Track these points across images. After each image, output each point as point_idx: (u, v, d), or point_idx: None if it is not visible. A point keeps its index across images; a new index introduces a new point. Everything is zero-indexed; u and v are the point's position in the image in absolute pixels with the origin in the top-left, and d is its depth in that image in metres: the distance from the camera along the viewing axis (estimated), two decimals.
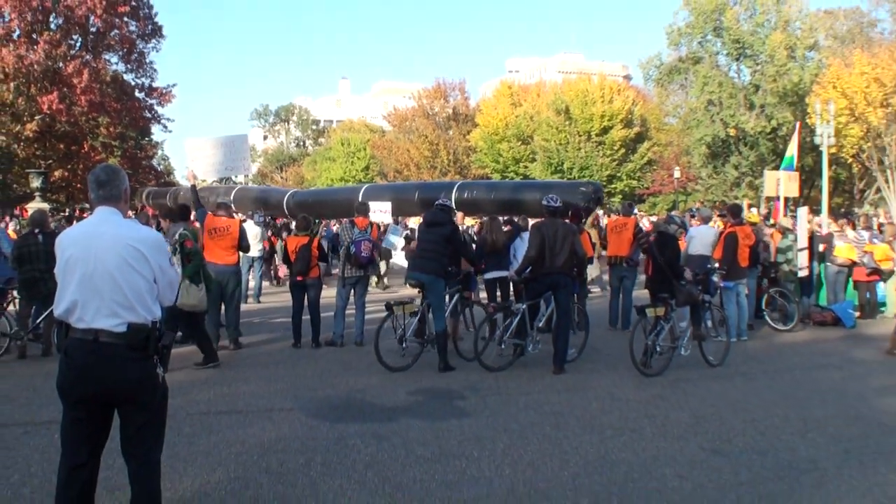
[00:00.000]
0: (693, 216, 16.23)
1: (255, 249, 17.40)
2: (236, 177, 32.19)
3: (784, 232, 13.73)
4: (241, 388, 8.51)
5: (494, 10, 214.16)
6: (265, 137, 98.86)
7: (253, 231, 17.34)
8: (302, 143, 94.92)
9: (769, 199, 15.59)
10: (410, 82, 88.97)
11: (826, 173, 26.39)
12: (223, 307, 11.04)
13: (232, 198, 25.22)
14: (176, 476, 5.46)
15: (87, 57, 34.18)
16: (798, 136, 17.79)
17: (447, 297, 10.06)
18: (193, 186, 12.18)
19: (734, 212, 12.76)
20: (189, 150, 12.73)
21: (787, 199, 15.97)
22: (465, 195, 19.44)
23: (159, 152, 54.01)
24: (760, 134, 42.69)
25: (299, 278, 11.15)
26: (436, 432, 6.72)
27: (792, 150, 17.39)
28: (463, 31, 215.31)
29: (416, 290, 10.22)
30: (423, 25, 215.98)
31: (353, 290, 11.40)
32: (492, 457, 6.03)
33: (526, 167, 50.05)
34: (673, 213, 15.48)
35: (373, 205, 18.34)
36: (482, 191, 20.58)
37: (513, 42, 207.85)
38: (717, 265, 11.08)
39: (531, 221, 12.19)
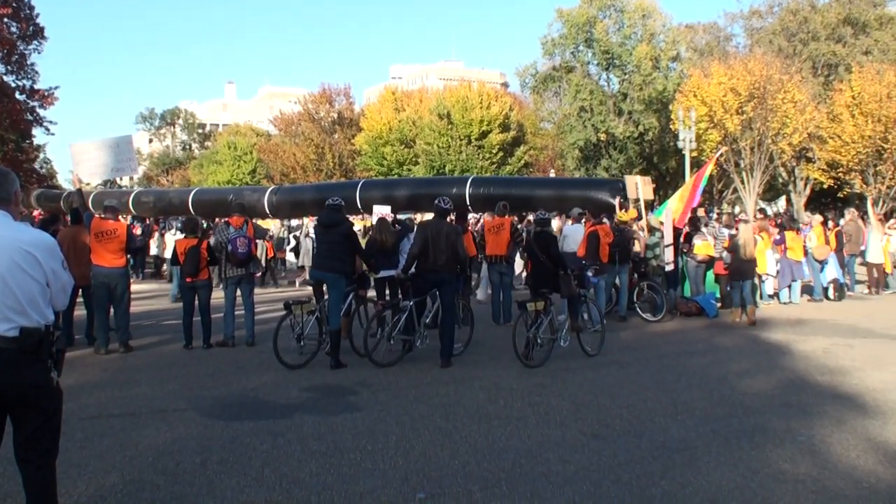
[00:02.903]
0: (570, 216, 16.87)
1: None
2: (121, 179, 30.83)
3: (651, 230, 14.50)
4: (132, 391, 8.38)
5: (378, 17, 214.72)
6: (151, 141, 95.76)
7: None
8: (188, 147, 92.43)
9: (636, 200, 16.26)
10: (296, 87, 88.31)
11: (688, 175, 27.70)
12: (111, 310, 10.85)
13: (191, 200, 24.05)
14: (70, 481, 5.33)
15: None
16: (713, 162, 18.53)
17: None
18: (79, 190, 11.98)
19: (594, 212, 13.43)
20: (74, 154, 12.36)
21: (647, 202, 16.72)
22: (481, 191, 19.18)
23: (42, 155, 51.29)
24: (629, 139, 44.61)
25: (188, 280, 11.10)
26: (330, 427, 6.81)
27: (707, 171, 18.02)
28: (347, 38, 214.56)
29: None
30: (308, 31, 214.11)
31: (237, 290, 11.39)
32: (385, 449, 6.14)
33: (409, 170, 50.32)
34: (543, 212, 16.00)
35: (375, 208, 17.82)
36: (497, 186, 20.35)
37: (396, 49, 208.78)
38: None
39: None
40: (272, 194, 23.51)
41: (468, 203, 18.62)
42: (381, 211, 17.60)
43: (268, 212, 23.10)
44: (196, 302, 11.19)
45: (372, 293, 12.41)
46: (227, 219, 12.48)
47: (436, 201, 10.24)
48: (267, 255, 21.73)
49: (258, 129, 77.68)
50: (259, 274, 21.17)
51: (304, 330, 9.66)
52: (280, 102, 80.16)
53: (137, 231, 23.66)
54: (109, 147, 12.60)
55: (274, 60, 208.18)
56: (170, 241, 18.21)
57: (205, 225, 18.36)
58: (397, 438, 6.45)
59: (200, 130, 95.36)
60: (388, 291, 12.34)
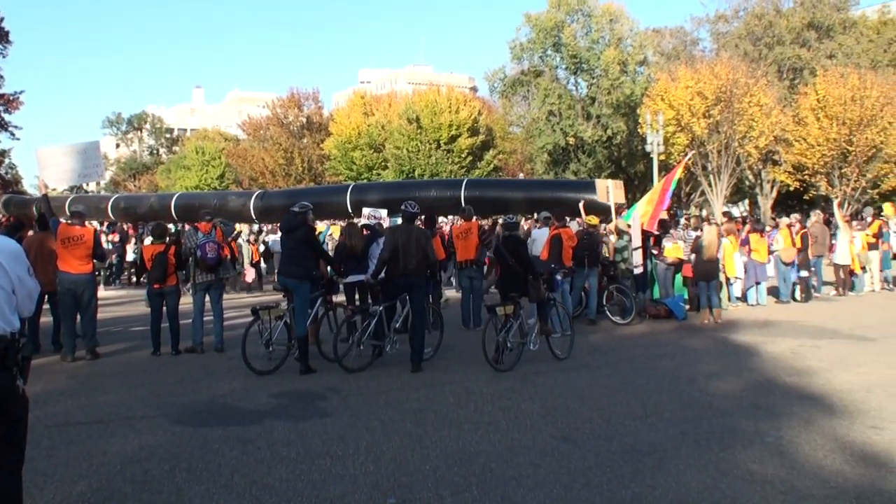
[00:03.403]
0: (537, 220, 16.94)
1: None
2: (88, 185, 30.16)
3: (620, 233, 14.58)
4: (100, 398, 8.30)
5: (346, 22, 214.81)
6: (118, 145, 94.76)
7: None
8: (155, 152, 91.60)
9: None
10: (264, 92, 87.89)
11: (656, 178, 27.84)
12: (78, 317, 10.73)
13: (173, 205, 23.51)
14: (36, 490, 5.27)
15: None
16: (683, 165, 18.53)
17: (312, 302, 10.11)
18: (45, 196, 11.87)
19: (559, 216, 13.46)
20: (40, 159, 12.24)
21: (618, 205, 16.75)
22: (476, 193, 18.99)
23: (6, 160, 50.66)
24: (597, 142, 44.91)
25: (156, 286, 11.01)
26: (300, 433, 6.77)
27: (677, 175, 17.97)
28: (316, 42, 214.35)
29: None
30: (277, 36, 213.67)
31: (206, 295, 11.32)
32: (356, 454, 6.11)
33: (379, 174, 50.30)
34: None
35: (367, 211, 17.27)
36: (492, 189, 20.14)
37: (365, 54, 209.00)
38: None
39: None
40: (258, 199, 23.03)
41: (463, 206, 18.48)
42: (375, 214, 17.03)
43: (253, 217, 22.67)
44: (164, 308, 11.10)
45: (341, 298, 12.37)
46: (195, 224, 12.36)
47: (402, 206, 10.21)
48: (252, 258, 21.53)
49: (226, 134, 77.32)
50: (250, 278, 21.01)
51: (273, 335, 9.62)
52: (248, 107, 79.76)
53: (115, 237, 23.34)
54: (77, 152, 12.50)
55: (242, 65, 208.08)
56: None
57: (172, 228, 18.07)
58: (367, 444, 6.42)
59: (168, 135, 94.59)
60: (357, 296, 12.28)
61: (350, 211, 20.59)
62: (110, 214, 25.52)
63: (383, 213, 17.18)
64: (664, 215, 16.62)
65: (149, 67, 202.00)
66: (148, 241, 18.53)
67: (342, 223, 23.22)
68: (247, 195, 24.36)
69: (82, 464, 5.97)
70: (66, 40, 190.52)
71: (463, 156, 47.04)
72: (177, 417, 7.40)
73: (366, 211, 17.17)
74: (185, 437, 6.70)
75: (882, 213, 21.98)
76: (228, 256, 12.07)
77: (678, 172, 16.83)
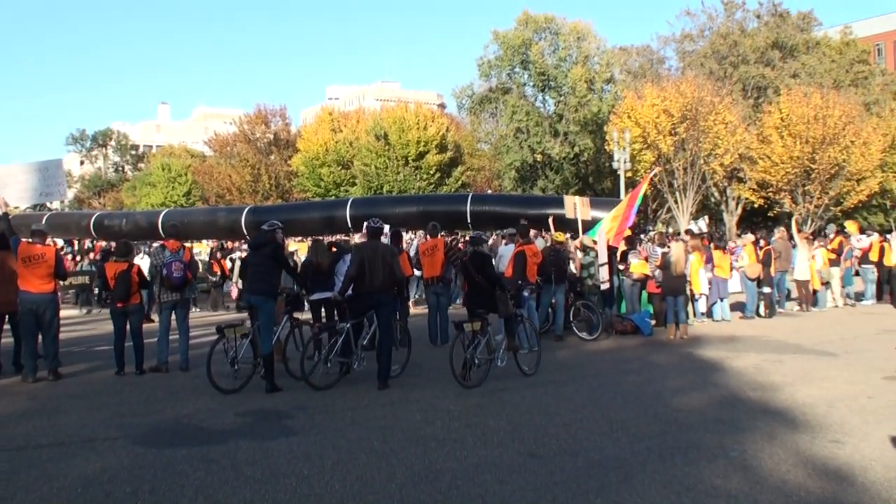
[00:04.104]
0: (503, 236, 16.96)
1: None
2: (51, 203, 29.46)
3: (586, 249, 14.67)
4: (61, 420, 8.15)
5: (314, 38, 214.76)
6: (82, 162, 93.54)
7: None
8: (120, 169, 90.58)
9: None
10: (231, 108, 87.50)
11: (623, 195, 28.07)
12: (40, 337, 10.58)
13: (160, 222, 22.95)
14: None
15: None
16: (647, 181, 18.66)
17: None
18: (5, 214, 11.73)
19: (523, 232, 13.52)
20: (0, 177, 12.11)
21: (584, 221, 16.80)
22: (483, 208, 18.74)
23: None
24: (565, 159, 45.28)
25: (119, 305, 10.86)
26: (265, 452, 6.70)
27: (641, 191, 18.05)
28: (283, 58, 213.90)
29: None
30: (244, 52, 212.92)
31: (172, 314, 11.21)
32: (321, 473, 6.07)
33: (347, 191, 50.14)
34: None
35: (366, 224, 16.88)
36: (496, 204, 19.91)
37: (332, 70, 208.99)
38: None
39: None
40: (249, 214, 22.68)
41: (468, 221, 18.32)
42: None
43: (245, 233, 22.38)
44: (128, 327, 10.97)
45: (308, 316, 12.30)
46: (162, 242, 12.28)
47: (366, 222, 10.22)
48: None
49: (193, 151, 76.74)
50: (234, 294, 20.73)
51: (238, 353, 9.52)
52: (215, 123, 79.44)
53: (97, 256, 22.90)
54: (38, 170, 12.43)
55: (209, 81, 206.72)
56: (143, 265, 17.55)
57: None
58: (333, 462, 6.38)
59: (133, 152, 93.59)
60: (324, 314, 12.24)
61: (350, 225, 20.31)
62: (92, 232, 24.92)
63: (385, 228, 17.07)
64: (628, 232, 16.75)
65: (114, 83, 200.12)
66: (138, 258, 18.41)
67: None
68: (238, 211, 23.97)
69: (43, 487, 5.86)
70: (30, 55, 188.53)
71: (431, 172, 47.10)
72: (140, 438, 7.29)
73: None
74: (149, 458, 6.60)
75: (845, 230, 22.36)
76: (219, 273, 11.80)
77: (642, 189, 16.98)
